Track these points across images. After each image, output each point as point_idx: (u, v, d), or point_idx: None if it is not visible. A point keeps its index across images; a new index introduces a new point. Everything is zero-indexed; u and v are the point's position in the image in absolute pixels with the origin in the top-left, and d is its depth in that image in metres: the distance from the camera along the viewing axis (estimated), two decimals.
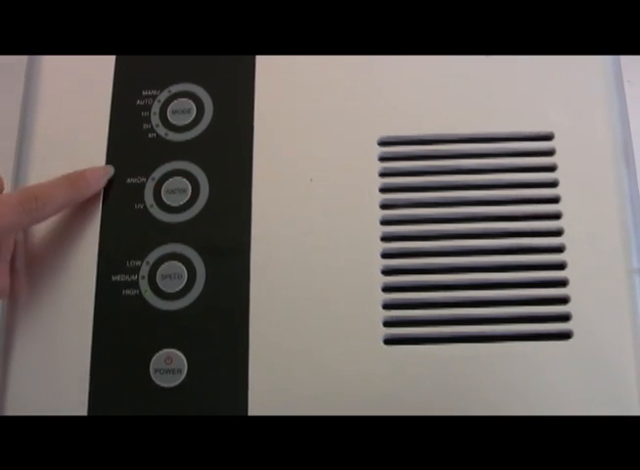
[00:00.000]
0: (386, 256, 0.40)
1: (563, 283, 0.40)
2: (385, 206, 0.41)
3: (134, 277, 0.40)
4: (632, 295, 0.39)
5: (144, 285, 0.40)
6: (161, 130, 0.43)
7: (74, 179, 0.41)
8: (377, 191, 0.41)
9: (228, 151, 0.42)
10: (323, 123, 0.42)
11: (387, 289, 0.40)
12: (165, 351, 0.39)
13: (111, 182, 0.42)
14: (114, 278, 0.40)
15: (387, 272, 0.40)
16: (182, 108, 0.43)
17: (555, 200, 0.41)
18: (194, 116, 0.43)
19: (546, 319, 0.39)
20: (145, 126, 0.43)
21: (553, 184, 0.41)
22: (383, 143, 0.42)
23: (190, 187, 0.41)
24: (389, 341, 0.39)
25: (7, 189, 0.43)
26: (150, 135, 0.42)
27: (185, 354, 0.39)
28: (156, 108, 0.43)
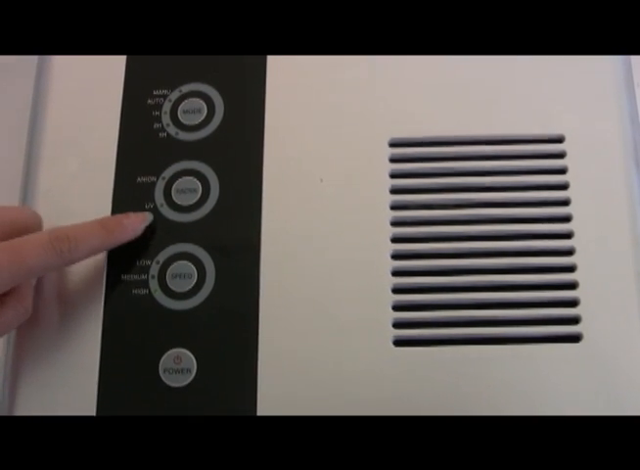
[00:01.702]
0: (396, 257, 0.40)
1: (573, 286, 0.40)
2: (395, 207, 0.41)
3: (144, 276, 0.40)
4: None
5: (154, 284, 0.40)
6: (172, 130, 0.43)
7: (110, 225, 0.39)
8: (387, 192, 0.41)
9: (238, 151, 0.42)
10: (334, 124, 0.42)
11: (396, 290, 0.40)
12: (175, 350, 0.39)
13: (121, 181, 0.42)
14: (123, 277, 0.41)
15: (396, 273, 0.40)
16: (193, 107, 0.43)
17: (565, 202, 0.41)
18: (204, 115, 0.43)
19: (556, 322, 0.39)
20: (155, 126, 0.43)
21: (563, 187, 0.41)
22: (393, 144, 0.42)
23: (200, 187, 0.41)
24: (399, 342, 0.39)
25: (16, 191, 0.43)
26: (160, 134, 0.42)
27: (194, 354, 0.39)
28: (166, 107, 0.43)
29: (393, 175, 0.42)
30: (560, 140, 0.42)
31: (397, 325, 0.39)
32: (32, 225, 0.39)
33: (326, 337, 0.39)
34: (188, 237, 0.41)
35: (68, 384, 0.39)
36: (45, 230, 0.38)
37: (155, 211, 0.41)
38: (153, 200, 0.41)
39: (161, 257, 0.41)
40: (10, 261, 0.35)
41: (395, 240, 0.41)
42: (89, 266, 0.41)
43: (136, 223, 0.40)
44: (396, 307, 0.40)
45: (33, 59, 0.45)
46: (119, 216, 0.41)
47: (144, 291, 0.40)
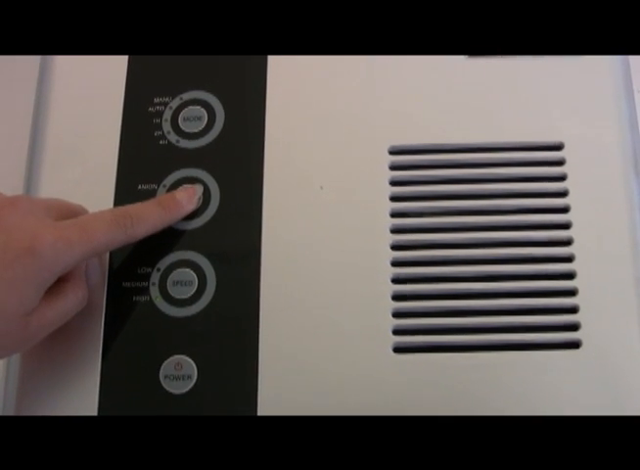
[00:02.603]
0: (396, 264, 0.40)
1: (572, 292, 0.40)
2: (395, 214, 0.41)
3: (145, 284, 0.41)
4: None
5: (154, 291, 0.40)
6: (173, 137, 0.43)
7: (165, 202, 0.41)
8: (387, 199, 0.41)
9: (239, 158, 0.42)
10: (334, 131, 0.42)
11: (396, 297, 0.40)
12: (175, 357, 0.39)
13: (122, 189, 0.42)
14: (124, 284, 0.41)
15: (396, 281, 0.40)
16: (193, 115, 0.43)
17: (565, 209, 0.41)
18: (205, 123, 0.43)
19: (555, 328, 0.40)
20: (156, 133, 0.43)
21: (563, 194, 0.41)
22: (393, 152, 0.42)
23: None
24: (399, 349, 0.39)
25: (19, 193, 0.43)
26: (161, 142, 0.43)
27: (195, 361, 0.39)
28: (167, 115, 0.43)
29: (393, 183, 0.42)
30: (559, 147, 0.42)
31: (397, 332, 0.40)
32: (80, 212, 0.40)
33: (326, 344, 0.39)
34: (189, 244, 0.41)
35: (70, 391, 0.40)
36: (108, 209, 0.40)
37: None
38: None
39: (162, 264, 0.41)
40: (80, 237, 0.36)
41: (395, 247, 0.41)
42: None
43: (188, 197, 0.41)
44: (396, 314, 0.40)
45: (35, 66, 0.45)
46: (172, 193, 0.41)
47: (145, 298, 0.40)
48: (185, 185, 0.42)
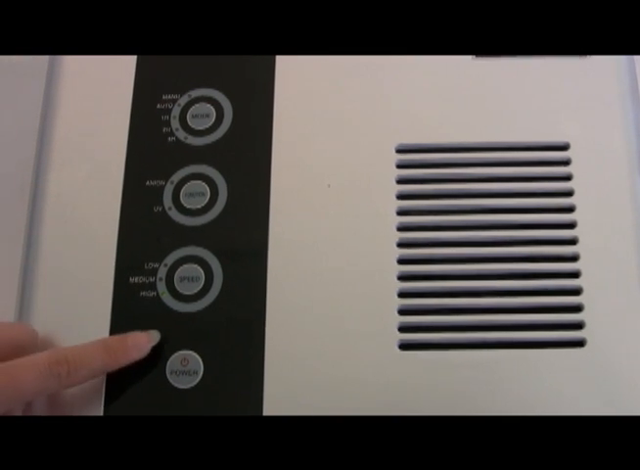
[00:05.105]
0: (402, 262, 0.41)
1: (577, 291, 0.40)
2: (401, 212, 0.41)
3: (152, 279, 0.41)
4: None
5: (161, 287, 0.41)
6: (181, 134, 0.43)
7: (113, 346, 0.38)
8: (394, 198, 0.42)
9: (247, 155, 0.42)
10: (341, 129, 0.43)
11: (402, 295, 0.40)
12: (182, 352, 0.40)
13: (130, 184, 0.42)
14: (131, 280, 0.41)
15: (402, 278, 0.40)
16: (202, 112, 0.43)
17: (570, 209, 0.41)
18: (213, 120, 0.43)
19: (560, 327, 0.40)
20: (165, 130, 0.43)
21: (568, 193, 0.41)
22: (400, 150, 0.42)
23: (208, 191, 0.42)
24: (404, 346, 0.39)
25: (27, 195, 0.43)
26: (169, 139, 0.43)
27: (201, 356, 0.40)
28: (175, 112, 0.43)
29: (400, 181, 0.42)
30: (565, 147, 0.42)
31: (403, 329, 0.40)
32: (28, 344, 0.38)
33: (332, 340, 0.39)
34: (196, 240, 0.41)
35: (75, 386, 0.39)
36: (45, 352, 0.37)
37: (163, 214, 0.42)
38: (161, 203, 0.42)
39: (169, 259, 0.41)
40: (5, 385, 0.34)
41: (401, 245, 0.41)
42: (97, 268, 0.41)
43: (140, 344, 0.39)
44: (402, 312, 0.40)
45: (44, 64, 0.46)
46: (124, 337, 0.39)
47: (152, 293, 0.41)
48: (137, 332, 0.39)
